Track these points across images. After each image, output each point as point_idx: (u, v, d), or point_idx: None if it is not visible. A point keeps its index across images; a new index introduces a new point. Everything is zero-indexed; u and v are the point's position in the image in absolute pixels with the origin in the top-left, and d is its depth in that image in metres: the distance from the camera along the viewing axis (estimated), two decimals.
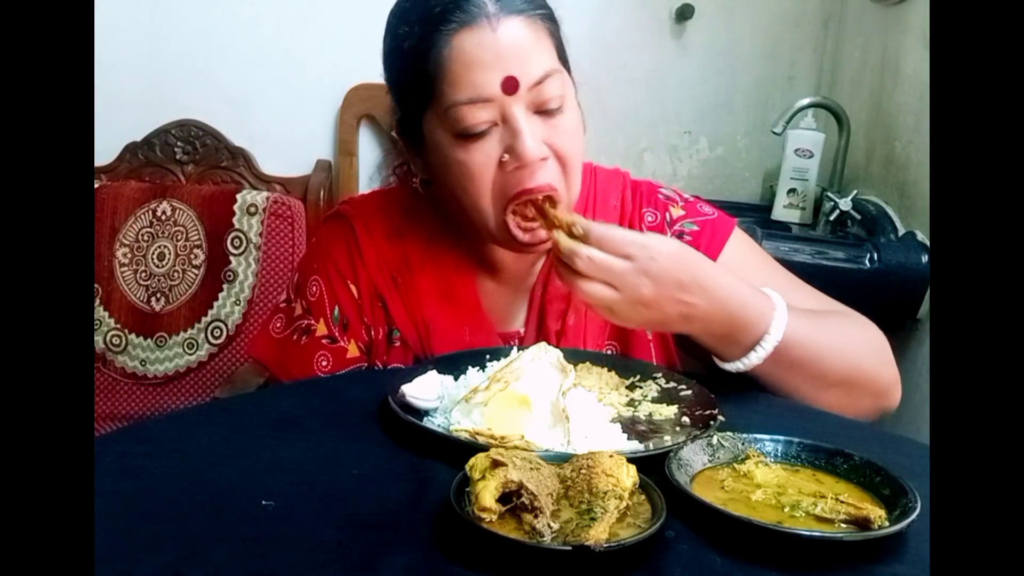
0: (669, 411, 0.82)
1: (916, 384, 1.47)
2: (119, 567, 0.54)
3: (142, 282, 1.90)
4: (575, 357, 0.87)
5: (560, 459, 0.65)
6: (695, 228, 1.02)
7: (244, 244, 1.89)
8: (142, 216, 1.92)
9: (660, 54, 2.10)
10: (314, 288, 0.99)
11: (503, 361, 0.81)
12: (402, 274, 0.99)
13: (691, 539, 0.60)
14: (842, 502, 0.62)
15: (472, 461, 0.61)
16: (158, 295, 1.90)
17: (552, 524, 0.57)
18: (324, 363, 0.97)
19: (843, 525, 0.61)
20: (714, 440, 0.71)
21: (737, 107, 2.13)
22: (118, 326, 1.90)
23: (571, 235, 0.81)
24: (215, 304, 1.89)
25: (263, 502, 0.62)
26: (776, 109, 2.00)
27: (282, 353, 0.99)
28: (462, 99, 0.86)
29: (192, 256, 1.90)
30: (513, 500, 0.58)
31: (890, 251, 1.56)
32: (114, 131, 1.96)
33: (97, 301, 1.90)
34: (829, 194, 1.79)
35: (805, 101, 1.89)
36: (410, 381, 0.78)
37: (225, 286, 1.89)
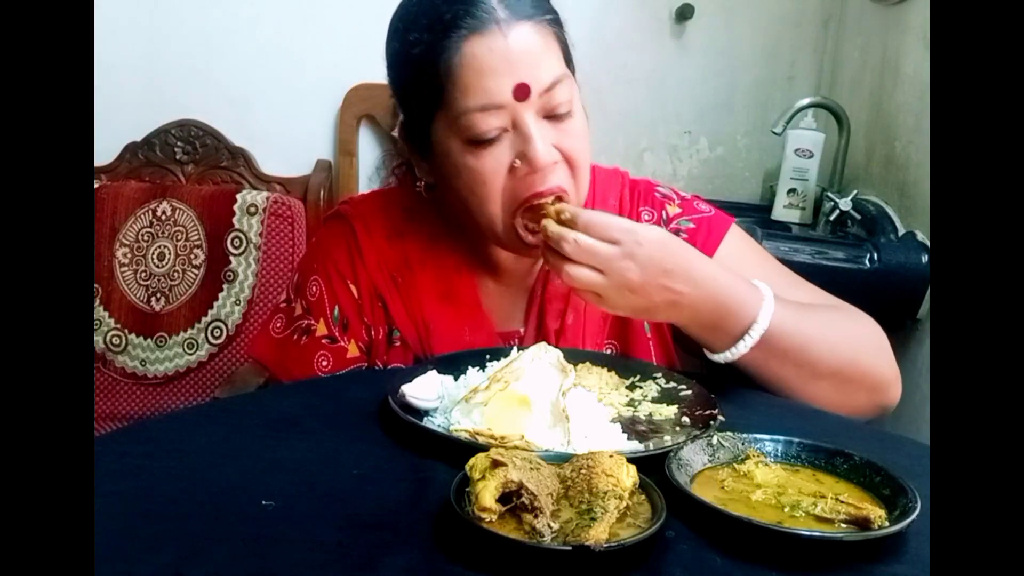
0: (669, 411, 0.82)
1: (916, 384, 1.47)
2: (119, 567, 0.54)
3: (142, 282, 1.90)
4: (575, 357, 0.87)
5: (560, 459, 0.65)
6: (691, 226, 1.02)
7: (244, 244, 1.89)
8: (142, 216, 1.92)
9: (660, 54, 2.10)
10: (314, 288, 0.99)
11: (503, 361, 0.81)
12: (402, 274, 0.99)
13: (691, 539, 0.60)
14: (842, 502, 0.62)
15: (472, 461, 0.61)
16: (158, 295, 1.90)
17: (552, 524, 0.57)
18: (324, 363, 0.97)
19: (843, 525, 0.61)
20: (714, 440, 0.71)
21: (737, 107, 2.13)
22: (118, 326, 1.90)
23: (560, 222, 0.83)
24: (215, 304, 1.89)
25: (263, 502, 0.62)
26: (776, 109, 2.00)
27: (282, 353, 0.99)
28: (474, 106, 0.85)
29: (192, 256, 1.90)
30: (513, 500, 0.58)
31: (890, 251, 1.56)
32: (114, 131, 1.96)
33: (97, 301, 1.90)
34: (829, 194, 1.79)
35: (805, 101, 1.89)
36: (410, 381, 0.78)
37: (225, 286, 1.89)
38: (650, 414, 0.81)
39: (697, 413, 0.80)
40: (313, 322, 0.98)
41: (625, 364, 0.93)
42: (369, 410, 0.79)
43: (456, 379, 0.84)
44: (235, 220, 1.89)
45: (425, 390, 0.78)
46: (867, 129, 1.86)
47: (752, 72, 2.12)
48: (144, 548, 0.56)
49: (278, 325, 1.01)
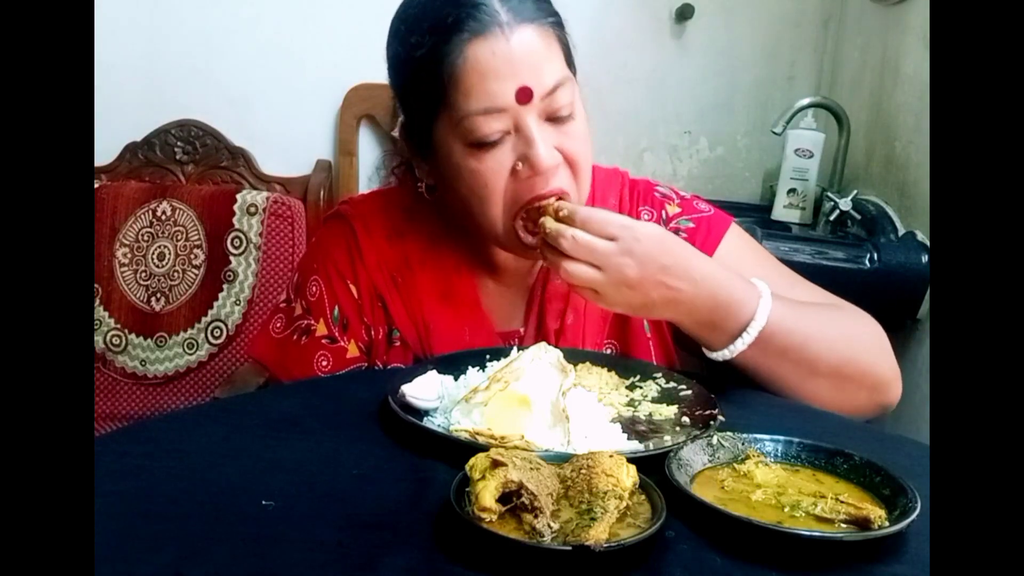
0: (669, 411, 0.82)
1: (916, 384, 1.47)
2: (119, 567, 0.54)
3: (142, 282, 1.90)
4: (575, 357, 0.87)
5: (560, 459, 0.65)
6: (691, 225, 1.02)
7: (244, 244, 1.89)
8: (142, 216, 1.92)
9: (660, 54, 2.10)
10: (314, 288, 0.99)
11: (503, 361, 0.81)
12: (402, 274, 0.99)
13: (691, 539, 0.60)
14: (842, 502, 0.62)
15: (472, 461, 0.61)
16: (158, 295, 1.90)
17: (552, 524, 0.57)
18: (324, 363, 0.97)
19: (843, 525, 0.61)
20: (714, 440, 0.71)
21: (737, 107, 2.13)
22: (118, 326, 1.90)
23: (558, 219, 0.83)
24: (215, 304, 1.89)
25: (263, 502, 0.62)
26: (776, 109, 2.00)
27: (282, 353, 0.99)
28: (477, 109, 0.85)
29: (192, 256, 1.90)
30: (513, 500, 0.58)
31: (890, 251, 1.56)
32: (114, 131, 1.96)
33: (97, 301, 1.90)
34: (829, 194, 1.79)
35: (805, 101, 1.89)
36: (410, 381, 0.78)
37: (225, 286, 1.89)
38: (650, 414, 0.81)
39: (697, 413, 0.80)
40: (313, 322, 0.98)
41: (625, 364, 0.93)
42: (369, 410, 0.79)
43: (456, 379, 0.84)
44: (235, 220, 1.89)
45: (425, 390, 0.78)
46: (867, 129, 1.86)
47: (752, 72, 2.12)
48: (144, 548, 0.56)
49: (278, 325, 1.01)
